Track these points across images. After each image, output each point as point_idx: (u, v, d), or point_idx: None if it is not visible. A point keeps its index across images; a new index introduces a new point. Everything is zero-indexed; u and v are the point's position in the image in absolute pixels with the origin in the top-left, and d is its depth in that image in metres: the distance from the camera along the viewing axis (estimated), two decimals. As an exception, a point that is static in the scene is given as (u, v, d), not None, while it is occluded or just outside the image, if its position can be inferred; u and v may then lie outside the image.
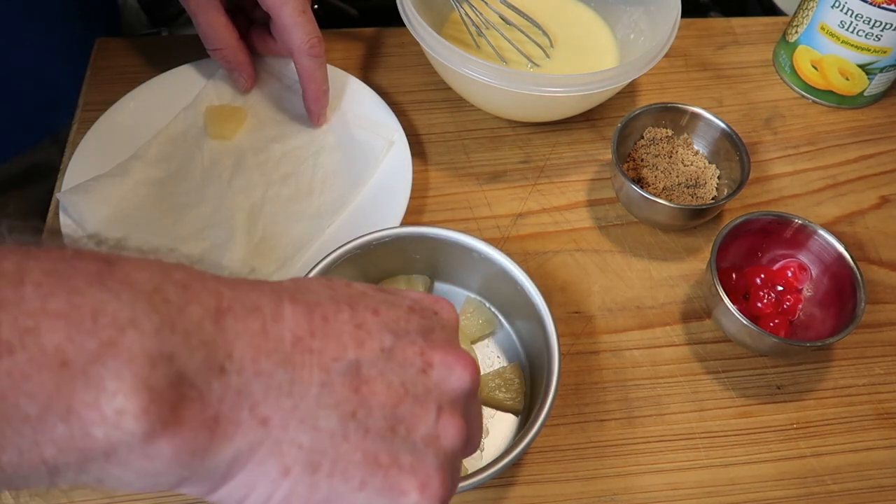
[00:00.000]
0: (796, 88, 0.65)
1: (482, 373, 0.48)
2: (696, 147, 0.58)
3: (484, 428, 0.46)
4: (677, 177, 0.56)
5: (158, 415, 0.22)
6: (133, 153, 0.54)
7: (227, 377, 0.24)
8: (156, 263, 0.25)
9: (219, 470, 0.25)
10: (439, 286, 0.51)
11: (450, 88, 0.61)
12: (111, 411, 0.22)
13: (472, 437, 0.32)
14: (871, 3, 0.56)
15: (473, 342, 0.49)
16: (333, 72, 0.58)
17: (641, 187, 0.53)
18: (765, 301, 0.50)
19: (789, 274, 0.51)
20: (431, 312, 0.31)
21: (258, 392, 0.25)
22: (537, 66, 0.61)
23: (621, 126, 0.55)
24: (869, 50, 0.59)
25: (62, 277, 0.22)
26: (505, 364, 0.49)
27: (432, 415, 0.29)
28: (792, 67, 0.65)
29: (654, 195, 0.52)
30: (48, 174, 0.56)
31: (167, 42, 0.72)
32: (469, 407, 0.31)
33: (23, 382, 0.21)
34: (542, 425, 0.40)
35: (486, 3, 0.61)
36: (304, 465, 0.26)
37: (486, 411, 0.47)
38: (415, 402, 0.28)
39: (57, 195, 0.52)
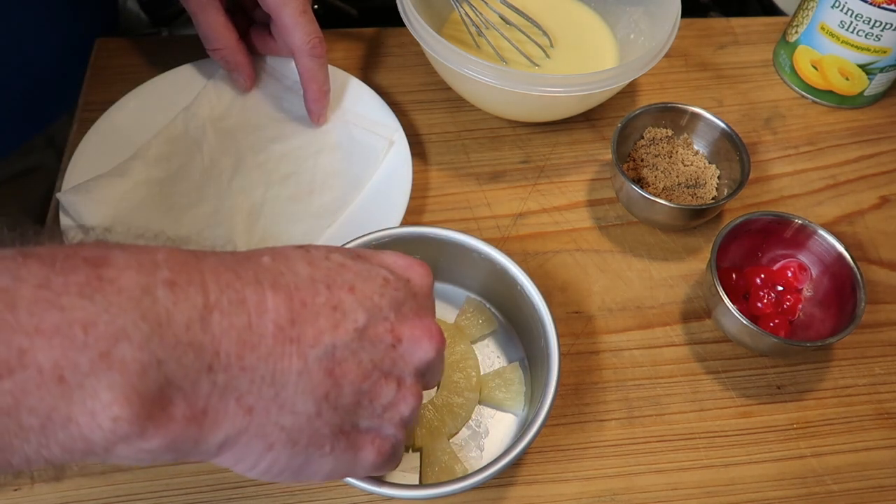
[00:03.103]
0: (796, 88, 0.65)
1: (482, 373, 0.48)
2: (696, 147, 0.58)
3: (484, 428, 0.46)
4: (677, 177, 0.56)
5: (150, 417, 0.25)
6: (133, 153, 0.54)
7: (214, 375, 0.27)
8: (142, 257, 0.27)
9: (210, 450, 0.28)
10: (439, 286, 0.51)
11: (450, 88, 0.61)
12: (107, 419, 0.24)
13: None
14: (871, 3, 0.56)
15: (473, 342, 0.49)
16: (334, 72, 0.58)
17: (641, 187, 0.53)
18: (765, 301, 0.50)
19: (789, 274, 0.51)
20: (404, 281, 0.33)
21: (243, 385, 0.28)
22: (537, 66, 0.61)
23: (621, 126, 0.55)
24: (869, 50, 0.59)
25: (54, 292, 0.24)
26: (505, 364, 0.49)
27: (393, 387, 0.32)
28: (792, 67, 0.65)
29: (654, 195, 0.52)
30: (43, 177, 0.56)
31: (167, 42, 0.72)
32: (433, 373, 0.35)
33: (24, 399, 0.23)
34: (542, 425, 0.40)
35: (486, 3, 0.61)
36: (284, 442, 0.29)
37: (487, 411, 0.47)
38: (380, 376, 0.32)
39: (57, 195, 0.52)
